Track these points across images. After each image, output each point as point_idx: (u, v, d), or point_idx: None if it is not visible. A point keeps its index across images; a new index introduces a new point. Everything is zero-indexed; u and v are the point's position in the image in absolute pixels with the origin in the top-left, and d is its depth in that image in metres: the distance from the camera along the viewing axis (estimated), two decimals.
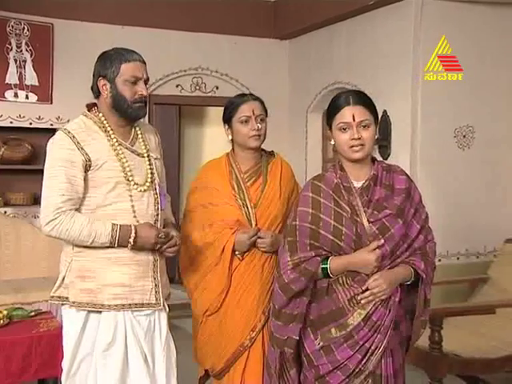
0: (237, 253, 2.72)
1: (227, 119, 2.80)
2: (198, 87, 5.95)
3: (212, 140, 7.31)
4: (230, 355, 2.72)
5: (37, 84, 5.46)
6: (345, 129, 2.23)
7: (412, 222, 2.26)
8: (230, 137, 2.82)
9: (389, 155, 4.78)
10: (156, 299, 2.49)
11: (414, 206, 2.29)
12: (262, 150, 2.86)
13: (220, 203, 2.76)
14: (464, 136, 4.70)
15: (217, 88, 5.99)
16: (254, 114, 2.74)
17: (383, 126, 4.79)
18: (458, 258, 4.60)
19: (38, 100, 5.47)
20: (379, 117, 2.35)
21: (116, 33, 5.56)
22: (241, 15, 5.94)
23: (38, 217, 5.51)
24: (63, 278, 2.46)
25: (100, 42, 5.53)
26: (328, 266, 2.23)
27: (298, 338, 2.28)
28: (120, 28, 5.61)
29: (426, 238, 2.31)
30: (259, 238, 2.70)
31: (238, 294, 2.73)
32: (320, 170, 5.80)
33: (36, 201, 5.57)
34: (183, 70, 5.80)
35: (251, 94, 2.85)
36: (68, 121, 5.57)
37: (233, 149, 2.88)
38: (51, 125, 5.52)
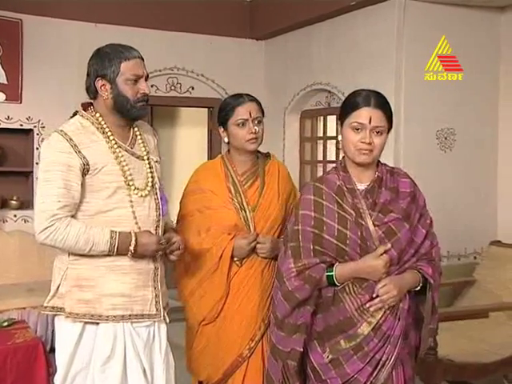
0: (235, 259, 2.63)
1: (222, 121, 2.70)
2: (173, 87, 5.82)
3: (184, 142, 7.19)
4: (228, 366, 2.62)
5: (5, 82, 5.24)
6: (358, 129, 2.12)
7: (418, 227, 2.19)
8: (226, 139, 2.72)
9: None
10: (156, 309, 2.38)
11: (419, 210, 2.22)
12: (258, 151, 2.77)
13: (217, 207, 2.67)
14: (445, 138, 4.71)
15: (192, 88, 5.87)
16: (251, 116, 2.65)
17: None
18: (440, 260, 4.58)
19: (6, 99, 5.26)
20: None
21: (89, 31, 5.40)
22: (217, 14, 5.84)
23: (6, 221, 5.29)
24: (58, 287, 2.33)
25: (72, 39, 5.38)
26: (334, 273, 2.13)
27: (301, 350, 2.17)
28: (93, 26, 5.44)
29: (432, 243, 2.24)
30: (258, 243, 2.62)
31: (237, 301, 2.63)
32: (297, 172, 5.75)
33: (4, 204, 5.36)
34: (158, 70, 5.65)
35: (248, 95, 2.75)
36: (39, 121, 5.49)
37: (228, 150, 2.78)
38: (21, 125, 5.34)
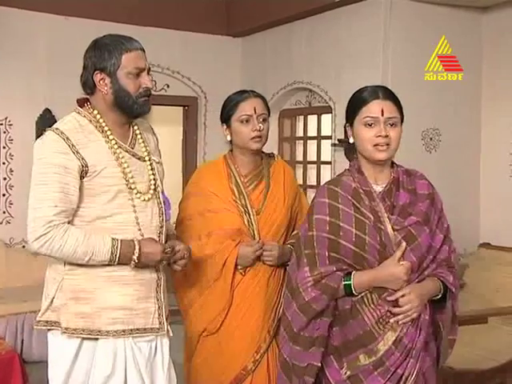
0: (239, 267, 2.47)
1: (226, 118, 2.55)
2: None
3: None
4: (232, 380, 2.46)
5: None
6: (371, 124, 2.01)
7: (435, 231, 2.07)
8: (229, 137, 2.56)
9: (356, 158, 4.63)
10: (159, 323, 2.20)
11: (438, 213, 2.10)
12: (261, 151, 2.63)
13: (219, 210, 2.50)
14: (431, 139, 4.66)
15: (168, 86, 5.67)
16: (255, 112, 2.50)
17: None
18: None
19: None
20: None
21: (58, 24, 5.20)
22: (192, 10, 5.68)
23: None
24: (52, 300, 2.14)
25: (40, 32, 5.14)
26: (352, 282, 1.99)
27: (319, 364, 2.03)
28: (63, 19, 5.22)
29: (450, 248, 2.12)
30: (264, 250, 2.47)
31: (241, 312, 2.48)
32: None
33: None
34: None
35: (253, 91, 2.60)
36: (6, 118, 5.20)
37: (231, 150, 2.62)
38: None
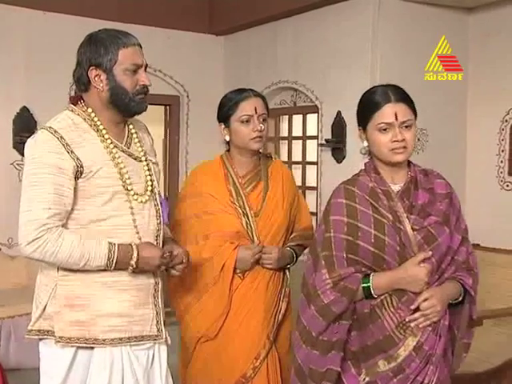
0: (238, 271, 2.40)
1: (224, 118, 2.47)
2: None
3: None
4: None
5: None
6: (385, 129, 1.95)
7: (454, 232, 2.02)
8: (228, 138, 2.48)
9: (344, 158, 4.60)
10: (158, 330, 2.11)
11: (456, 213, 2.05)
12: (259, 152, 2.55)
13: (216, 211, 2.43)
14: (418, 139, 4.61)
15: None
16: (256, 112, 2.43)
17: (337, 128, 4.61)
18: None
19: None
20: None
21: (36, 19, 5.03)
22: (174, 7, 5.55)
23: None
24: (44, 308, 2.02)
25: (18, 28, 4.98)
26: (371, 284, 1.93)
27: (339, 369, 1.96)
28: (41, 14, 5.04)
29: (468, 250, 2.06)
30: (264, 253, 2.40)
31: (239, 317, 2.41)
32: None
33: None
34: None
35: (252, 90, 2.52)
36: None
37: (227, 150, 2.55)
38: None
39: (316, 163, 4.98)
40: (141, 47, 2.08)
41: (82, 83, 2.05)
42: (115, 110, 2.05)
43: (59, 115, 2.06)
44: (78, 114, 2.04)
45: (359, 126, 2.06)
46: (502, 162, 4.65)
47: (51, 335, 2.00)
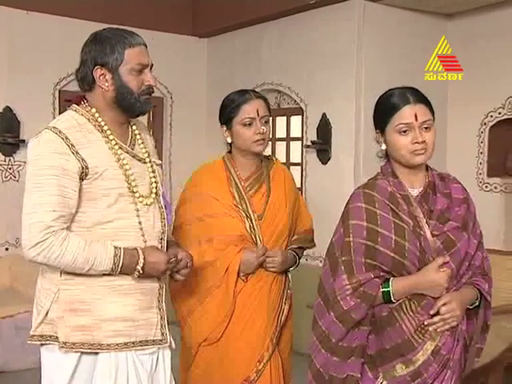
0: (241, 274, 2.39)
1: (226, 120, 2.46)
2: None
3: None
4: None
5: None
6: (405, 131, 1.94)
7: (470, 237, 2.02)
8: (229, 140, 2.47)
9: (329, 159, 4.62)
10: (162, 334, 2.08)
11: (472, 218, 2.06)
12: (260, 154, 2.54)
13: (219, 214, 2.41)
14: None
15: None
16: (258, 115, 2.42)
17: (323, 129, 4.63)
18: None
19: None
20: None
21: (19, 18, 4.92)
22: (158, 8, 5.50)
23: None
24: (47, 313, 1.98)
25: (2, 27, 4.89)
26: (390, 288, 1.92)
27: (359, 375, 1.95)
28: (24, 13, 4.95)
29: (483, 255, 2.08)
30: (268, 256, 2.40)
31: (243, 320, 2.39)
32: None
33: None
34: None
35: (254, 91, 2.51)
36: None
37: (229, 151, 2.53)
38: None
39: (300, 164, 5.01)
40: (146, 47, 2.07)
41: (86, 83, 2.02)
42: (120, 110, 2.02)
43: (63, 115, 2.03)
44: (82, 115, 2.01)
45: (376, 129, 2.04)
46: (481, 163, 4.73)
47: (54, 340, 1.96)
